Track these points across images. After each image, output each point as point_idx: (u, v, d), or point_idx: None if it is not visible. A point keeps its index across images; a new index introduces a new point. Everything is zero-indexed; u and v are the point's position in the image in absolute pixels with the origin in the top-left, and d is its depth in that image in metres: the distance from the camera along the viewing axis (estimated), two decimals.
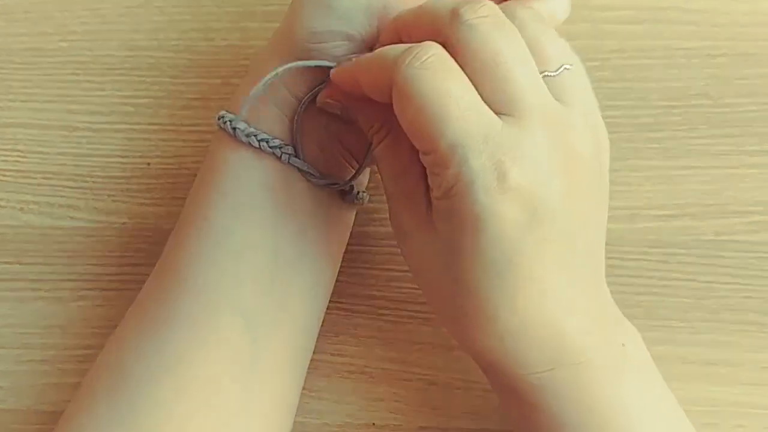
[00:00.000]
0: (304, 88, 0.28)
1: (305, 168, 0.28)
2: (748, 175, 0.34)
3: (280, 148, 0.28)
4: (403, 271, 0.33)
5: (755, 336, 0.33)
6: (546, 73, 0.24)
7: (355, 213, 0.32)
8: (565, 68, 0.24)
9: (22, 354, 0.34)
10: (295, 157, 0.28)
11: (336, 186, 0.29)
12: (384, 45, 0.26)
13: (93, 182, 0.35)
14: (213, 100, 0.35)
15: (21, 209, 0.35)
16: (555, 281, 0.24)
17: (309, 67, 0.27)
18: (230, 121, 0.28)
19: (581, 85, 0.25)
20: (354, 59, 0.26)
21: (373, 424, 0.32)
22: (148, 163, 0.35)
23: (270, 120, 0.28)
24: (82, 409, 0.27)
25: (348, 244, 0.31)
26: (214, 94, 0.35)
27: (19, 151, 0.35)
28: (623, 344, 0.26)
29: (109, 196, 0.35)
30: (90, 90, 0.36)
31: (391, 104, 0.24)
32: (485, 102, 0.23)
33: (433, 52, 0.23)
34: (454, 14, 0.23)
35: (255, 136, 0.28)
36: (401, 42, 0.25)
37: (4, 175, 0.35)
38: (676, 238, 0.33)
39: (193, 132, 0.35)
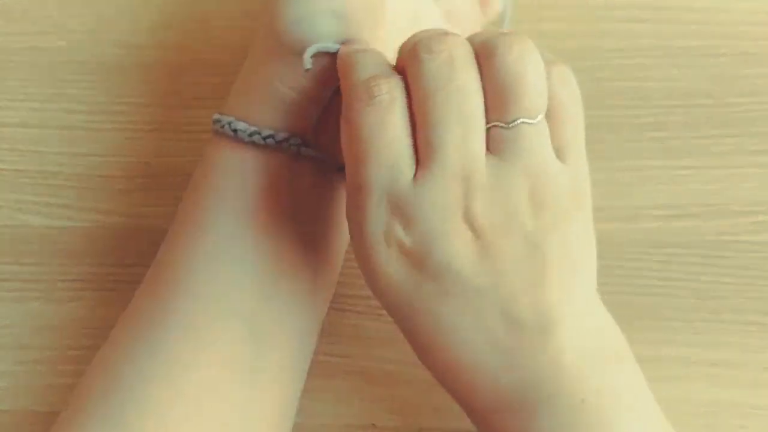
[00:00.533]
0: (301, 79, 0.27)
1: (317, 155, 0.28)
2: (751, 174, 0.34)
3: (287, 140, 0.27)
4: None
5: (757, 337, 0.33)
6: (497, 124, 0.23)
7: None
8: (523, 122, 0.23)
9: (18, 355, 0.34)
10: (305, 146, 0.28)
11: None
12: None
13: (91, 182, 0.35)
14: (212, 99, 0.35)
15: (19, 209, 0.35)
16: (463, 335, 0.24)
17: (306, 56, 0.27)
18: (229, 123, 0.28)
19: (537, 142, 0.23)
20: (348, 48, 0.26)
21: (374, 425, 0.32)
22: (148, 163, 0.35)
23: (269, 116, 0.28)
24: (77, 412, 0.27)
25: (348, 244, 0.31)
26: (213, 93, 0.35)
27: (17, 150, 0.35)
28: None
29: (107, 196, 0.35)
30: (88, 89, 0.36)
31: None
32: (417, 140, 0.23)
33: (387, 89, 0.23)
34: (414, 46, 0.23)
35: (259, 133, 0.27)
36: None
37: (2, 175, 0.35)
38: (678, 238, 0.33)
39: (192, 132, 0.35)
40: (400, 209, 0.23)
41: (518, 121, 0.23)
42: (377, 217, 0.23)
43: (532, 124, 0.23)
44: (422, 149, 0.23)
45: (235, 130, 0.27)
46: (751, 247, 0.33)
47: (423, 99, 0.23)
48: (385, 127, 0.23)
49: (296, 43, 0.27)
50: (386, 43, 0.28)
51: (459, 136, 0.23)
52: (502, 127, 0.23)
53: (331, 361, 0.32)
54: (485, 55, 0.23)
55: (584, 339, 0.24)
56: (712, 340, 0.33)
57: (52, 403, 0.33)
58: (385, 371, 0.33)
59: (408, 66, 0.23)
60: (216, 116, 0.29)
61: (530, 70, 0.23)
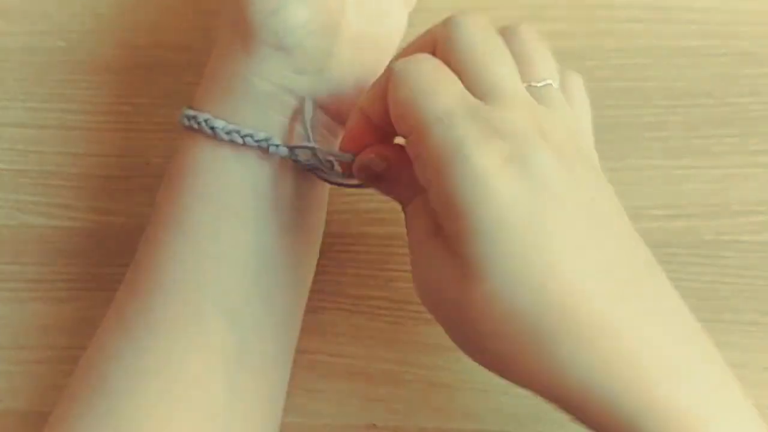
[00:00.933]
0: (278, 71, 0.28)
1: (293, 156, 0.28)
2: (751, 174, 0.34)
3: (266, 140, 0.27)
4: (402, 271, 0.33)
5: (758, 336, 0.33)
6: (529, 83, 0.25)
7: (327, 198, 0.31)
8: (549, 83, 0.25)
9: (19, 354, 0.34)
10: (283, 146, 0.28)
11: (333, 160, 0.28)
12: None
13: (91, 182, 0.35)
14: None
15: (19, 209, 0.35)
16: (604, 259, 0.22)
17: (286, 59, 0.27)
18: (206, 120, 0.28)
19: (566, 99, 0.26)
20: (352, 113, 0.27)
21: (374, 424, 0.32)
22: (147, 163, 0.35)
23: (247, 113, 0.28)
24: (67, 411, 0.27)
25: (348, 244, 0.31)
26: None
27: (16, 150, 0.35)
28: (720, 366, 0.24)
29: (107, 195, 0.35)
30: (88, 89, 0.36)
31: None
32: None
33: (423, 56, 0.24)
34: (446, 20, 0.25)
35: (237, 132, 0.27)
36: None
37: (2, 175, 0.35)
38: (678, 237, 0.33)
39: None
40: (489, 122, 0.22)
41: (546, 81, 0.25)
42: (470, 129, 0.22)
43: (555, 86, 0.25)
44: (480, 93, 0.23)
45: (212, 128, 0.27)
46: (752, 247, 0.33)
47: (467, 49, 0.24)
48: (441, 71, 0.24)
49: (271, 36, 0.27)
50: (351, 26, 0.29)
51: (511, 74, 0.24)
52: (533, 86, 0.25)
53: (332, 361, 0.32)
54: (507, 33, 0.26)
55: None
56: (712, 340, 0.33)
57: (51, 404, 0.33)
58: (386, 371, 0.33)
59: (442, 33, 0.25)
60: (190, 112, 0.28)
61: (544, 45, 0.26)
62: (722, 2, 0.35)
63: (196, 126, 0.28)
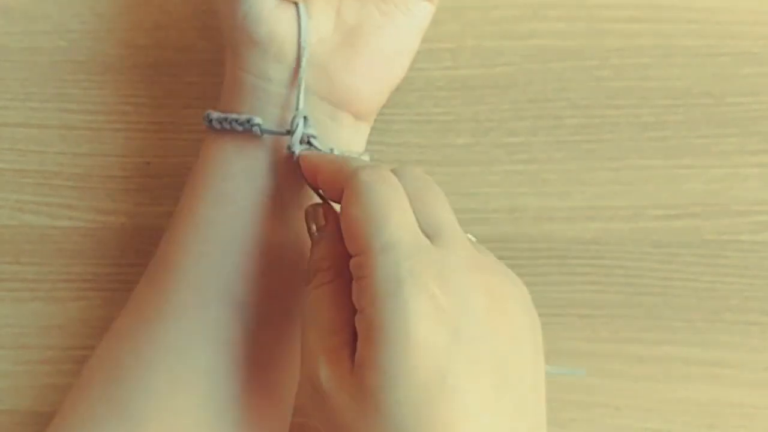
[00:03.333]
0: (261, 64, 0.29)
1: (279, 132, 0.28)
2: (751, 174, 0.34)
3: (248, 121, 0.28)
4: None
5: (757, 336, 0.33)
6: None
7: None
8: (469, 237, 0.25)
9: (20, 354, 0.34)
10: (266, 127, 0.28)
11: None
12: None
13: (92, 182, 0.35)
14: (212, 99, 0.35)
15: (19, 209, 0.35)
16: (498, 422, 0.22)
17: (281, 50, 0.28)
18: (207, 116, 0.29)
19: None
20: (317, 154, 0.27)
21: None
22: (148, 163, 0.35)
23: (245, 104, 0.29)
24: (79, 403, 0.27)
25: None
26: (213, 93, 0.35)
27: (17, 150, 0.35)
28: None
29: (108, 195, 0.35)
30: (89, 89, 0.36)
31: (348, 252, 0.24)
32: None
33: (386, 174, 0.24)
34: (392, 171, 0.25)
35: (225, 119, 0.28)
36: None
37: (3, 175, 0.35)
38: (678, 237, 0.34)
39: (192, 131, 0.35)
40: (433, 265, 0.22)
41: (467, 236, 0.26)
42: (414, 269, 0.22)
43: (473, 240, 0.26)
44: (429, 228, 0.24)
45: (210, 120, 0.29)
46: (752, 247, 0.33)
47: (421, 186, 0.25)
48: (399, 198, 0.24)
49: (252, 35, 0.28)
50: (350, 15, 0.29)
51: (452, 217, 0.25)
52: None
53: None
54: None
55: None
56: (713, 340, 0.33)
57: (53, 403, 0.33)
58: None
59: (399, 177, 0.25)
60: (206, 112, 0.30)
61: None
62: (721, 2, 0.35)
63: (206, 124, 0.29)
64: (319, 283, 0.25)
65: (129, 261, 0.34)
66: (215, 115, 0.29)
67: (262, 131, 0.28)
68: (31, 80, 0.36)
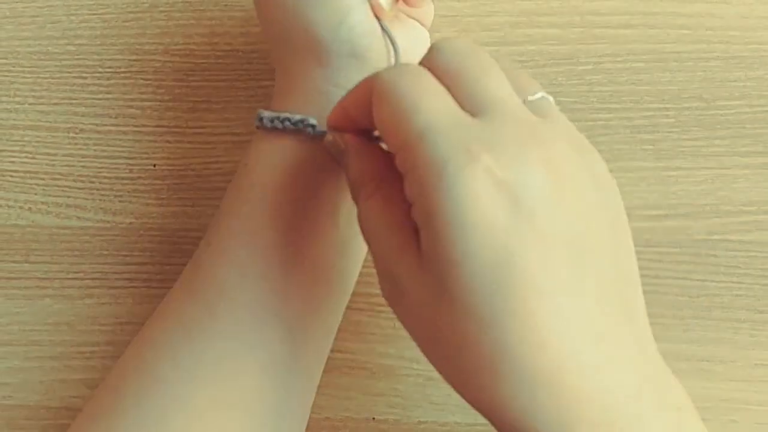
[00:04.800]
0: (344, 76, 0.28)
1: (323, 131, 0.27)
2: (740, 175, 0.34)
3: (302, 122, 0.27)
4: None
5: (747, 333, 0.33)
6: (525, 98, 0.23)
7: None
8: (544, 96, 0.23)
9: (30, 351, 0.34)
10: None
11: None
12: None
13: (100, 183, 0.35)
14: (217, 103, 0.36)
15: (29, 209, 0.35)
16: (579, 304, 0.20)
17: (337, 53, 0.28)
18: (258, 114, 0.28)
19: (562, 116, 0.23)
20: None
21: (373, 418, 0.33)
22: (154, 165, 0.35)
23: (299, 105, 0.28)
24: (109, 409, 0.27)
25: None
26: (218, 97, 0.36)
27: (27, 152, 0.36)
28: (678, 413, 0.22)
29: (115, 196, 0.35)
30: (97, 93, 0.36)
31: (385, 159, 0.24)
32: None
33: (409, 67, 0.23)
34: (432, 46, 0.24)
35: (278, 118, 0.28)
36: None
37: (13, 176, 0.36)
38: (669, 237, 0.34)
39: (197, 134, 0.35)
40: (479, 138, 0.20)
41: (540, 94, 0.23)
42: (457, 146, 0.20)
43: (549, 99, 0.23)
44: (471, 107, 0.22)
45: (261, 119, 0.28)
46: (741, 246, 0.34)
47: (458, 67, 0.22)
48: (428, 82, 0.22)
49: (344, 45, 0.28)
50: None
51: (504, 90, 0.22)
52: (529, 100, 0.23)
53: (333, 357, 0.32)
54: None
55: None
56: (703, 337, 0.33)
57: (62, 398, 0.34)
58: (386, 366, 0.33)
59: (430, 59, 0.23)
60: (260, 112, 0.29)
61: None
62: (712, 8, 0.35)
63: (257, 123, 0.28)
64: (367, 196, 0.24)
65: (136, 260, 0.35)
66: (266, 113, 0.28)
67: (315, 132, 0.27)
68: (41, 84, 0.36)
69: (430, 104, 0.21)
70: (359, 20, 0.28)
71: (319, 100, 0.28)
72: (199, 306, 0.27)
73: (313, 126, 0.27)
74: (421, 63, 0.23)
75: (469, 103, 0.22)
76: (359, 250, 0.30)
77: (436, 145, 0.20)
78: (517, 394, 0.20)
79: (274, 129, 0.28)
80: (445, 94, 0.22)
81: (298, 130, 0.28)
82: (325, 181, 0.28)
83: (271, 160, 0.28)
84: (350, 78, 0.28)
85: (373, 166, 0.24)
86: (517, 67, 0.25)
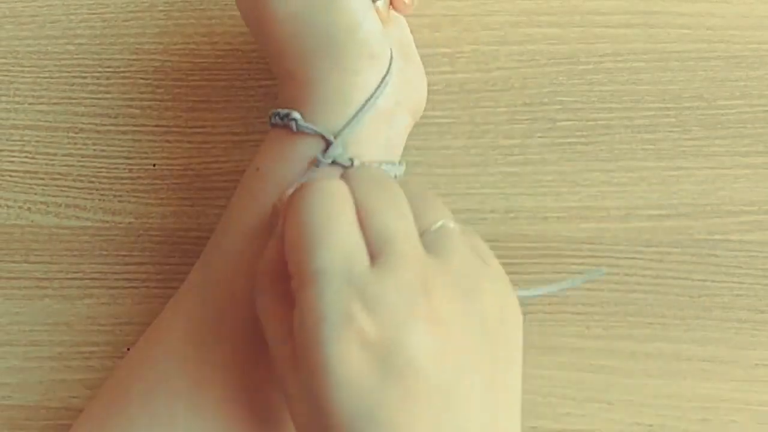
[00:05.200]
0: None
1: (317, 132, 0.28)
2: (741, 175, 0.34)
3: (286, 116, 0.28)
4: None
5: (748, 333, 0.33)
6: (426, 230, 0.23)
7: None
8: (443, 223, 0.23)
9: (29, 351, 0.34)
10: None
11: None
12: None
13: (99, 183, 0.35)
14: (217, 102, 0.36)
15: (29, 209, 0.35)
16: None
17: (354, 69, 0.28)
18: (286, 115, 0.28)
19: (462, 240, 0.24)
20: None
21: None
22: (154, 165, 0.35)
23: (310, 105, 0.28)
24: (115, 409, 0.27)
25: None
26: (218, 96, 0.36)
27: (26, 152, 0.36)
28: None
29: (115, 196, 0.35)
30: (96, 93, 0.36)
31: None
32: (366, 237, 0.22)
33: (334, 183, 0.23)
34: (345, 174, 0.24)
35: (277, 114, 0.29)
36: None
37: (12, 176, 0.36)
38: (670, 237, 0.34)
39: (197, 134, 0.35)
40: (362, 295, 0.21)
41: (440, 223, 0.23)
42: (337, 303, 0.21)
43: (452, 226, 0.24)
44: (375, 242, 0.22)
45: (294, 120, 0.28)
46: (742, 246, 0.34)
47: (370, 203, 0.23)
48: (340, 214, 0.22)
49: (364, 47, 0.28)
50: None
51: (407, 229, 0.22)
52: (429, 231, 0.23)
53: None
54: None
55: None
56: (704, 337, 0.33)
57: (62, 399, 0.34)
58: None
59: (351, 177, 0.24)
60: (276, 110, 0.29)
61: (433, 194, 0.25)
62: (712, 7, 0.35)
63: (279, 122, 0.29)
64: (261, 289, 0.24)
65: (135, 260, 0.35)
66: (296, 115, 0.28)
67: (299, 127, 0.28)
68: (40, 84, 0.36)
69: (335, 240, 0.21)
70: (375, 22, 0.28)
71: (336, 102, 0.28)
72: (209, 309, 0.27)
73: (295, 120, 0.28)
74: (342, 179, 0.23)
75: (369, 235, 0.22)
76: None
77: (322, 295, 0.21)
78: None
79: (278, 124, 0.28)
80: (352, 224, 0.22)
81: (284, 124, 0.28)
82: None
83: (275, 160, 0.28)
84: (368, 80, 0.28)
85: (281, 263, 0.23)
86: (426, 191, 0.25)
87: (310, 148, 0.28)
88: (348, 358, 0.20)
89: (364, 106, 0.28)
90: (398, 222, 0.22)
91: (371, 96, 0.28)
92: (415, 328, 0.21)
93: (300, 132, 0.28)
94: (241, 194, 0.29)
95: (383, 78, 0.28)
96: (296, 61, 0.28)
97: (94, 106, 0.36)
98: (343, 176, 0.24)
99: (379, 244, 0.22)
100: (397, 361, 0.20)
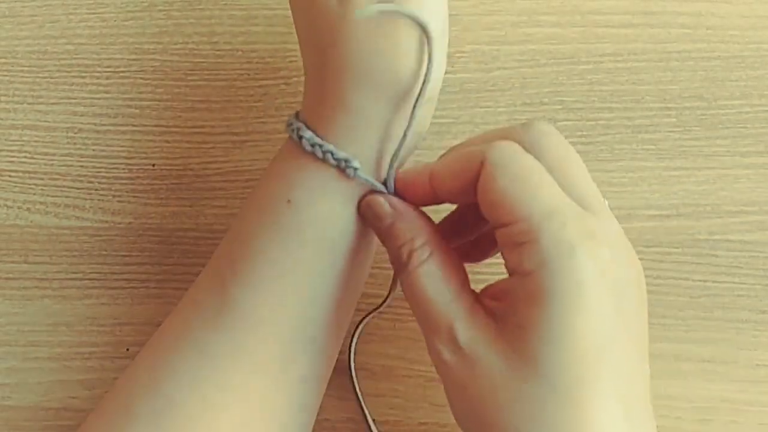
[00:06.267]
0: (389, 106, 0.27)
1: (371, 183, 0.27)
2: (742, 175, 0.34)
3: (345, 161, 0.26)
4: None
5: (749, 334, 0.33)
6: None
7: None
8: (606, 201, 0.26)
9: (28, 351, 0.34)
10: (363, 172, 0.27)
11: None
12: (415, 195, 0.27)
13: (98, 183, 0.35)
14: (216, 102, 0.36)
15: (28, 209, 0.35)
16: (637, 395, 0.23)
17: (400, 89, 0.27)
18: (297, 129, 0.27)
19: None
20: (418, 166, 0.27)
21: (374, 420, 0.33)
22: (153, 165, 0.35)
23: (342, 132, 0.27)
24: (120, 423, 0.26)
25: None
26: (217, 96, 0.36)
27: (25, 152, 0.36)
28: None
29: (114, 196, 0.35)
30: (95, 92, 0.36)
31: (433, 227, 0.26)
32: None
33: (518, 149, 0.24)
34: (529, 125, 0.25)
35: (320, 146, 0.26)
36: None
37: (11, 176, 0.35)
38: (671, 237, 0.34)
39: (196, 134, 0.35)
40: (601, 235, 0.23)
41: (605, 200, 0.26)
42: (580, 229, 0.23)
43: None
44: (579, 199, 0.24)
45: (300, 138, 0.27)
46: (742, 247, 0.34)
47: (563, 156, 0.25)
48: (538, 165, 0.24)
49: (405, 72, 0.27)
50: None
51: (595, 186, 0.25)
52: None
53: None
54: None
55: None
56: (705, 337, 0.33)
57: (61, 399, 0.34)
58: (386, 367, 0.33)
59: (541, 139, 0.25)
60: (291, 120, 0.28)
61: None
62: (713, 7, 0.35)
63: (290, 134, 0.28)
64: (420, 260, 0.25)
65: (135, 260, 0.34)
66: (308, 134, 0.27)
67: (356, 175, 0.26)
68: (39, 84, 0.36)
69: (551, 188, 0.23)
70: (442, 70, 0.28)
71: (377, 140, 0.27)
72: (221, 335, 0.26)
73: (355, 169, 0.26)
74: (524, 139, 0.25)
75: (573, 194, 0.24)
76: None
77: (565, 227, 0.22)
78: None
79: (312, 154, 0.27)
80: (555, 183, 0.24)
81: (338, 167, 0.27)
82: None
83: (312, 195, 0.27)
84: (422, 123, 0.28)
85: (425, 232, 0.26)
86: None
87: (332, 177, 0.27)
88: (598, 285, 0.22)
89: (404, 138, 0.27)
90: (591, 185, 0.25)
91: (408, 126, 0.27)
92: (630, 273, 0.23)
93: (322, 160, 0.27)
94: (264, 224, 0.27)
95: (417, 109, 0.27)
96: (349, 89, 0.27)
97: (93, 106, 0.36)
98: (531, 132, 0.25)
99: (586, 202, 0.24)
100: (625, 300, 0.23)
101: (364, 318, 0.32)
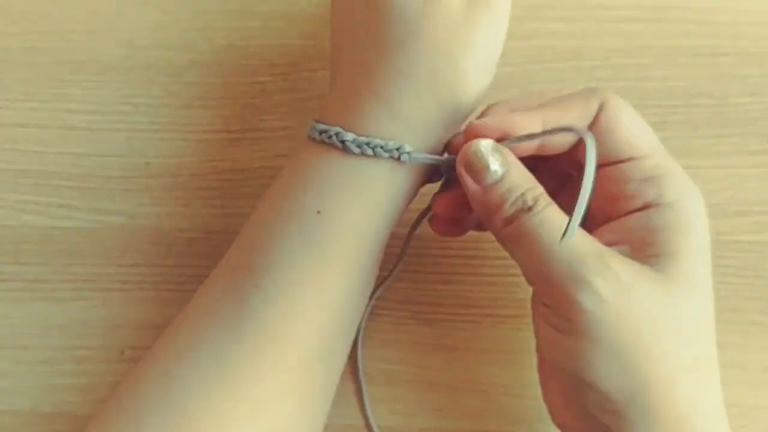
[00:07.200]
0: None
1: (428, 159, 0.27)
2: (751, 174, 0.34)
3: (397, 149, 0.27)
4: (402, 271, 0.33)
5: (758, 337, 0.33)
6: None
7: None
8: None
9: (21, 354, 0.34)
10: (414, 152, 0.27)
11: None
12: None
13: (92, 182, 0.35)
14: (213, 99, 0.35)
15: (20, 209, 0.35)
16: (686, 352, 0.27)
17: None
18: (336, 134, 0.27)
19: None
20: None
21: (378, 425, 0.32)
22: (148, 163, 0.35)
23: (373, 122, 0.27)
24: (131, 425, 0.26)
25: None
26: (214, 93, 0.35)
27: (17, 150, 0.35)
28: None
29: (108, 196, 0.35)
30: (89, 89, 0.36)
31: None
32: None
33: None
34: (606, 93, 0.27)
35: (368, 144, 0.27)
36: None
37: (3, 175, 0.35)
38: None
39: (192, 132, 0.35)
40: None
41: None
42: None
43: None
44: None
45: (343, 142, 0.27)
46: (751, 247, 0.33)
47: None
48: None
49: (472, 107, 0.29)
50: None
51: None
52: None
53: None
54: None
55: None
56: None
57: (54, 404, 0.33)
58: (387, 372, 0.33)
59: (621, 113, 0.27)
60: (321, 126, 0.28)
61: None
62: (721, 3, 0.35)
63: (327, 140, 0.27)
64: (547, 202, 0.25)
65: (129, 261, 0.34)
66: (349, 137, 0.27)
67: (411, 159, 0.27)
68: (31, 80, 0.36)
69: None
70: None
71: (419, 135, 0.27)
72: (240, 347, 0.26)
73: (409, 153, 0.27)
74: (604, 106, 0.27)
75: None
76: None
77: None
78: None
79: (362, 154, 0.27)
80: None
81: (390, 157, 0.27)
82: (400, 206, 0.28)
83: (343, 204, 0.27)
84: (457, 129, 0.29)
85: (536, 179, 0.26)
86: None
87: (382, 176, 0.27)
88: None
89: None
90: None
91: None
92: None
93: (372, 156, 0.27)
94: (289, 234, 0.27)
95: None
96: (399, 90, 0.27)
97: (86, 103, 0.36)
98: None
99: None
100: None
101: (374, 291, 0.32)
